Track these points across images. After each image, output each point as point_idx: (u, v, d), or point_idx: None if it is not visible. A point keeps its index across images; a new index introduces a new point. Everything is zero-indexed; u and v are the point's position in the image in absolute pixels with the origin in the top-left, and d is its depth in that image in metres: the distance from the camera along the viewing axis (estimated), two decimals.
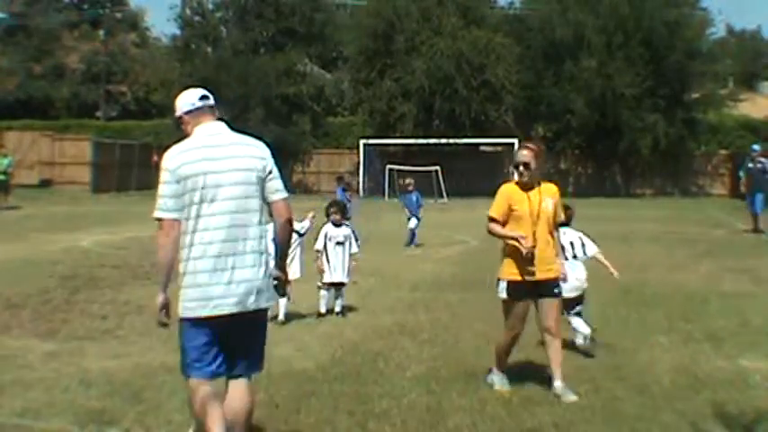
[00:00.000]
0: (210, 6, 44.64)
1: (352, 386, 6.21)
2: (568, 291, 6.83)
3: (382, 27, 39.86)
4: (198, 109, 4.53)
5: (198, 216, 4.28)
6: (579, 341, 7.17)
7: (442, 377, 6.47)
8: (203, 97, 4.59)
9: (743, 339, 7.85)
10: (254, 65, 40.74)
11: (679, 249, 15.70)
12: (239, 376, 4.44)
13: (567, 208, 7.48)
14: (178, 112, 4.58)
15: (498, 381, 6.16)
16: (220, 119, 4.61)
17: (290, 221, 4.62)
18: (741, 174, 20.53)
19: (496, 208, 6.03)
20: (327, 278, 9.27)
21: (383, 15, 39.92)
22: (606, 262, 7.62)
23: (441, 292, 10.75)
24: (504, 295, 6.03)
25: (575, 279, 7.03)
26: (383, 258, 14.08)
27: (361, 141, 39.32)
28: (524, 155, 6.00)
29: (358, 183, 39.35)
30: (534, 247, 5.86)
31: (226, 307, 4.26)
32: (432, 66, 37.98)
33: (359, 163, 39.80)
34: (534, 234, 5.89)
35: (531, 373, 6.55)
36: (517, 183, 6.06)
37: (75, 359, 7.01)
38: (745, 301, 9.94)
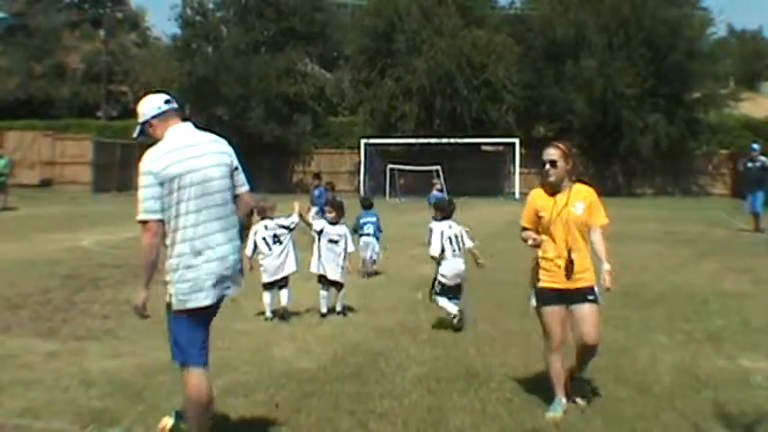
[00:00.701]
0: (211, 6, 44.69)
1: (354, 386, 6.21)
2: (451, 279, 8.45)
3: (383, 27, 39.88)
4: (165, 112, 4.71)
5: (188, 212, 4.52)
6: (452, 317, 8.33)
7: (443, 377, 6.47)
8: (168, 101, 4.77)
9: (744, 339, 7.85)
10: (255, 64, 40.79)
11: (680, 249, 15.69)
12: (206, 365, 4.71)
13: (449, 202, 9.11)
14: (145, 117, 4.74)
15: (552, 407, 5.59)
16: (186, 119, 4.82)
17: (252, 211, 5.09)
18: (748, 165, 19.84)
19: (524, 216, 5.77)
20: (314, 269, 9.34)
21: (384, 15, 39.95)
22: (479, 254, 8.73)
23: None
24: (533, 303, 5.71)
25: (457, 269, 8.48)
26: (384, 258, 14.06)
27: (362, 141, 39.34)
28: (551, 153, 5.59)
29: (358, 182, 39.39)
30: (538, 245, 5.64)
31: (217, 295, 4.59)
32: (432, 65, 37.99)
33: (360, 163, 39.81)
34: (555, 241, 5.56)
35: (532, 374, 6.55)
36: (543, 185, 5.70)
37: (75, 359, 7.01)
38: (745, 301, 9.93)
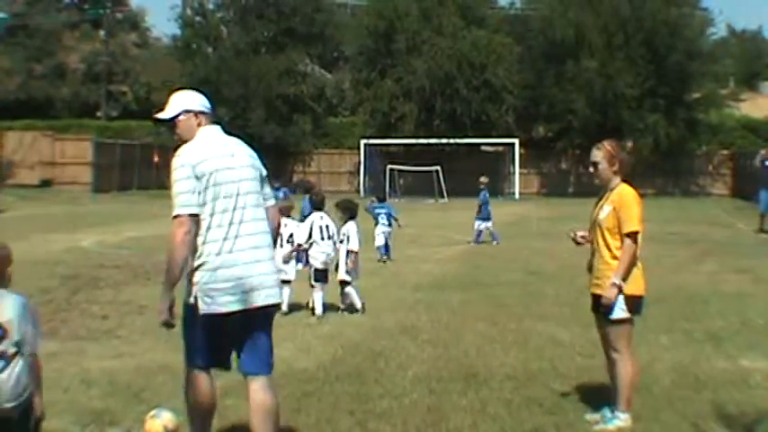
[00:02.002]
0: (211, 6, 44.71)
1: (353, 386, 6.21)
2: (321, 263, 9.32)
3: (383, 27, 39.88)
4: (206, 114, 4.64)
5: (223, 211, 4.36)
6: (317, 313, 9.12)
7: (443, 377, 6.47)
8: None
9: (743, 339, 7.85)
10: (255, 65, 40.77)
11: (680, 249, 15.69)
12: (257, 374, 4.44)
13: (316, 194, 10.12)
14: (192, 108, 4.58)
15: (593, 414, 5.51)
16: (217, 123, 4.71)
17: (279, 227, 4.94)
18: (766, 164, 19.36)
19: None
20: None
21: (384, 15, 39.94)
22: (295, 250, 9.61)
23: (442, 293, 10.74)
24: None
25: (324, 254, 9.33)
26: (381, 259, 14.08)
27: (362, 141, 39.33)
28: (594, 154, 5.37)
29: (358, 182, 39.39)
30: (578, 241, 5.53)
31: (249, 301, 4.34)
32: (432, 66, 37.99)
33: (360, 163, 39.81)
34: (592, 243, 5.39)
35: (532, 374, 6.56)
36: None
37: (75, 359, 7.01)
38: (745, 301, 9.94)
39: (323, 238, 9.38)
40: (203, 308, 4.32)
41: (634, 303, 5.25)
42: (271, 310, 4.53)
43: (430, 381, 6.36)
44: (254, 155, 4.68)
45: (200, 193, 4.32)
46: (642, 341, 7.72)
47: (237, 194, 4.40)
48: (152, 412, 4.95)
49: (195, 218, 4.30)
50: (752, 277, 12.09)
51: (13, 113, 43.53)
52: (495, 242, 17.13)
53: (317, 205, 9.77)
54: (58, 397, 5.90)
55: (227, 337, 4.44)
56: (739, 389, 6.15)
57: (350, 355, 7.24)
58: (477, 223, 17.45)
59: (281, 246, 9.47)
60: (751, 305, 9.66)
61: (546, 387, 6.16)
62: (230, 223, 4.35)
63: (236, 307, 4.32)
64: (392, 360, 7.03)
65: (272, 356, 4.55)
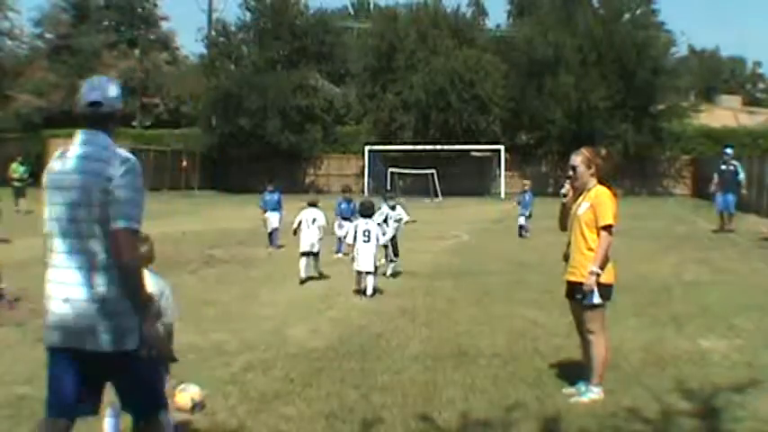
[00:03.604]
0: (233, 28, 44.77)
1: (358, 363, 6.20)
2: (303, 246, 10.60)
3: (385, 47, 39.93)
4: (82, 116, 3.50)
5: (54, 235, 3.36)
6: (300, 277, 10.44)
7: (438, 355, 6.46)
8: (93, 103, 3.44)
9: (703, 322, 7.83)
10: (272, 80, 40.77)
11: (646, 243, 15.64)
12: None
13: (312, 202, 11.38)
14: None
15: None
16: (105, 130, 3.50)
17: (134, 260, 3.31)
18: (716, 175, 18.92)
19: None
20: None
21: (386, 37, 40.04)
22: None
23: (437, 280, 10.73)
24: None
25: (308, 241, 10.62)
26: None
27: (366, 147, 39.32)
28: (572, 159, 5.34)
29: (363, 183, 39.39)
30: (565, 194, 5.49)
31: (64, 342, 3.32)
32: (428, 81, 38.00)
33: (364, 166, 39.83)
34: (570, 236, 5.41)
35: (516, 353, 6.55)
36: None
37: None
38: (704, 289, 9.91)
39: (308, 227, 10.74)
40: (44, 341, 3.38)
41: (606, 290, 5.26)
42: (96, 356, 3.22)
43: (426, 358, 6.35)
44: (102, 169, 3.23)
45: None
46: (613, 324, 7.68)
47: (55, 218, 3.29)
48: (181, 386, 4.96)
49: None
50: (710, 268, 12.05)
51: (59, 123, 43.54)
52: (524, 234, 17.02)
53: (311, 203, 11.20)
54: None
55: (63, 379, 3.34)
56: (699, 366, 6.14)
57: (355, 336, 7.23)
58: (521, 220, 17.38)
59: (308, 227, 10.72)
60: (709, 292, 9.64)
61: (528, 364, 6.15)
62: (50, 250, 3.31)
63: (51, 344, 3.31)
64: (392, 340, 7.02)
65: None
